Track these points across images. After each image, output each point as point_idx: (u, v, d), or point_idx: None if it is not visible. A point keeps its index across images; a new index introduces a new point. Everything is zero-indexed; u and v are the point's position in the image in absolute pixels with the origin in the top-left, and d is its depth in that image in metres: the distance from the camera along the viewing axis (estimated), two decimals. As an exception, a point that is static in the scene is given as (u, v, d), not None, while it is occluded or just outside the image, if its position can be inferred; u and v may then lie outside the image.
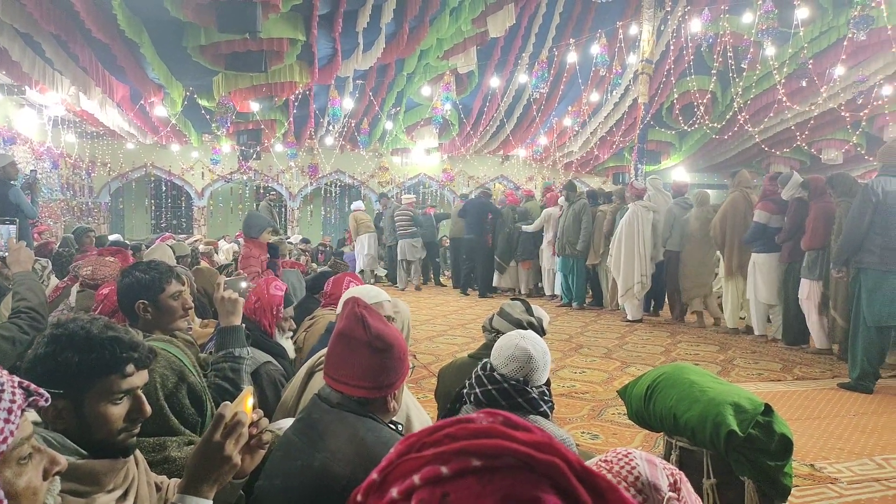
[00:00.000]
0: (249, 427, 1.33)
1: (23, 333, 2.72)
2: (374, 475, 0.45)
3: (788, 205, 6.12)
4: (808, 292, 5.85)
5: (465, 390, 2.00)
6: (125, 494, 1.34)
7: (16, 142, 11.59)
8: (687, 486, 1.06)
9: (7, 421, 0.92)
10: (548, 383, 2.03)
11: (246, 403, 1.35)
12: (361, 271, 11.41)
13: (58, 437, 1.23)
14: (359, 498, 0.45)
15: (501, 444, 0.43)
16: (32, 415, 1.33)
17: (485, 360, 2.04)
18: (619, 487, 0.44)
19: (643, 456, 1.10)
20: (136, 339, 1.35)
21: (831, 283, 5.49)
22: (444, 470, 0.42)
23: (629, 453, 1.10)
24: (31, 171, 10.71)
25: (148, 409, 1.34)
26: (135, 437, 1.34)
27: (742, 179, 7.03)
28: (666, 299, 8.30)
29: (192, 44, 8.52)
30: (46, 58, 8.58)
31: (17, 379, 0.98)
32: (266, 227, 5.51)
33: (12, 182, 7.16)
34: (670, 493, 1.03)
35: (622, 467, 1.06)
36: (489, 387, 1.91)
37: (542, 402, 1.91)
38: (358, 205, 12.09)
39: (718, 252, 7.07)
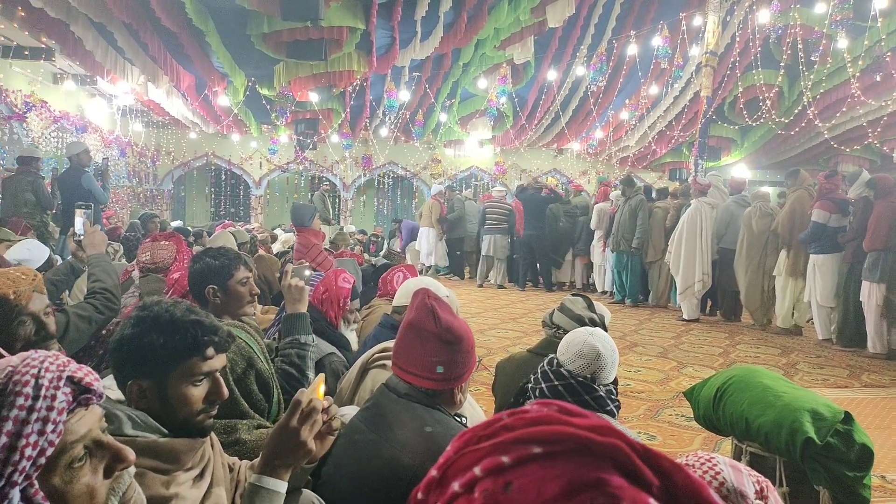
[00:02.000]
0: (321, 413, 1.36)
1: (98, 313, 2.84)
2: (433, 472, 0.45)
3: (854, 204, 5.91)
4: (868, 294, 5.67)
5: (528, 385, 1.98)
6: (202, 474, 1.38)
7: (87, 130, 12.10)
8: (774, 495, 1.02)
9: (42, 433, 0.84)
10: (615, 382, 1.99)
11: (319, 390, 1.38)
12: (428, 267, 11.31)
13: (141, 416, 1.28)
14: (419, 496, 0.45)
15: (560, 429, 0.42)
16: (116, 393, 1.39)
17: (551, 355, 2.02)
18: (683, 467, 0.43)
19: (727, 461, 1.06)
20: (216, 323, 1.39)
21: None
22: (504, 459, 0.42)
23: (712, 458, 1.07)
24: (104, 158, 11.16)
25: (226, 391, 1.38)
26: (212, 419, 1.38)
27: (804, 178, 6.87)
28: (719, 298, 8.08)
29: (255, 31, 8.72)
30: (118, 47, 8.91)
31: (67, 374, 0.90)
32: (315, 213, 5.57)
33: (86, 169, 7.48)
34: (757, 501, 0.99)
35: (706, 472, 1.03)
36: (555, 382, 1.89)
37: (608, 401, 1.87)
38: (438, 189, 11.81)
39: (783, 251, 6.82)
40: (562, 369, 1.90)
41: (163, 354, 1.31)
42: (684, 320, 7.50)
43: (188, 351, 1.33)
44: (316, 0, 7.04)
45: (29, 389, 0.85)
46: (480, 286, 10.33)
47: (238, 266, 2.29)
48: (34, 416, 0.84)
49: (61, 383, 0.88)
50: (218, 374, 1.39)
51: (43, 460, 0.84)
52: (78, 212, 4.09)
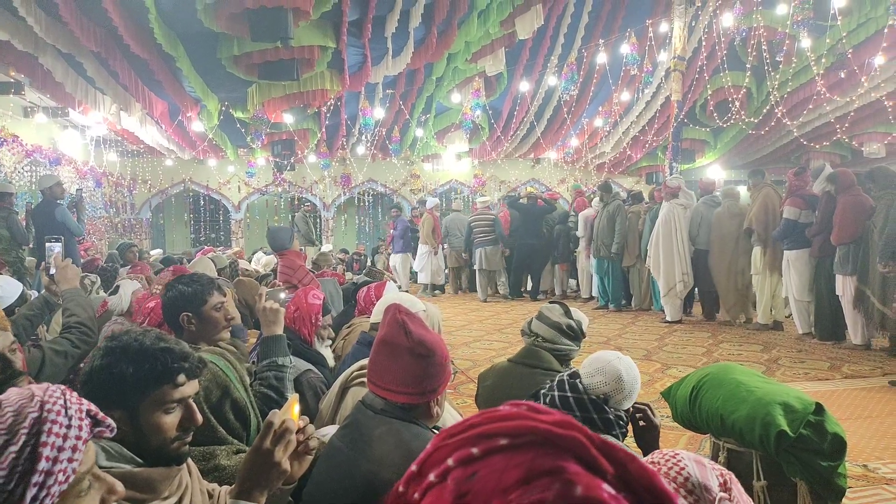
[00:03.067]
0: (297, 434, 1.37)
1: (74, 348, 2.82)
2: (413, 467, 0.49)
3: (819, 199, 6.06)
4: (842, 288, 5.78)
5: (542, 390, 1.97)
6: (179, 501, 1.38)
7: (61, 162, 11.99)
8: (738, 487, 1.05)
9: (70, 460, 0.89)
10: (628, 412, 2.00)
11: (293, 410, 1.38)
12: (425, 286, 11.20)
13: (115, 447, 1.27)
14: (400, 489, 0.48)
15: (525, 423, 0.46)
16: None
17: (574, 368, 2.03)
18: (638, 458, 0.45)
19: (691, 457, 1.08)
20: (186, 350, 1.39)
21: (874, 278, 5.38)
22: (474, 451, 0.45)
23: (676, 454, 1.09)
24: (77, 190, 11.07)
25: (199, 417, 1.37)
26: (187, 446, 1.37)
27: (766, 177, 7.11)
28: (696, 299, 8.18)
29: (225, 55, 8.71)
30: (88, 77, 8.86)
31: (85, 407, 0.96)
32: (293, 235, 5.57)
33: (59, 201, 7.41)
34: (721, 494, 1.01)
35: (671, 468, 1.05)
36: (568, 393, 1.88)
37: (616, 425, 1.86)
38: (433, 202, 11.56)
39: (758, 248, 6.92)
40: (578, 382, 1.91)
41: (133, 384, 1.31)
42: (668, 322, 7.56)
43: (159, 379, 1.32)
44: (285, 20, 7.06)
45: (63, 419, 0.90)
46: (485, 300, 10.12)
47: (211, 291, 2.29)
48: (68, 443, 0.89)
49: (83, 414, 0.94)
50: (191, 401, 1.39)
51: (66, 487, 0.88)
52: (48, 246, 4.06)
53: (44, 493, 0.85)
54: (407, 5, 9.06)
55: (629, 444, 2.82)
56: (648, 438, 2.06)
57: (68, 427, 0.89)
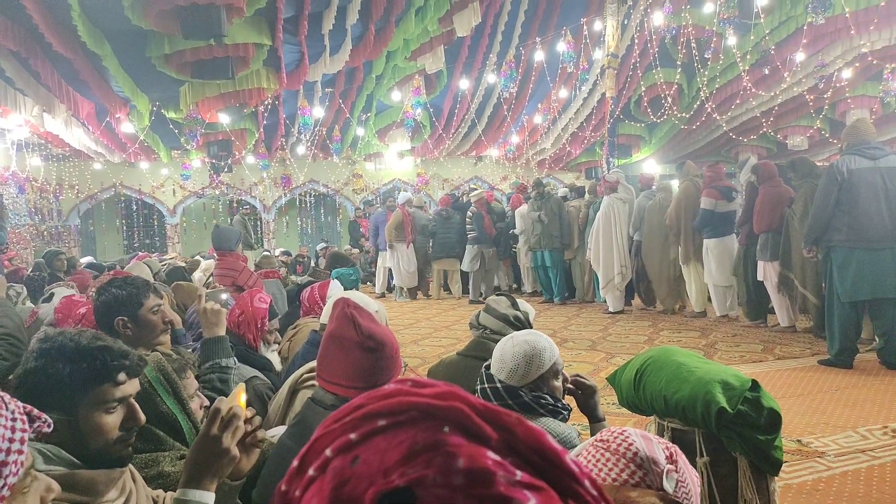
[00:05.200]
0: (245, 423, 1.34)
1: (2, 360, 2.68)
2: (294, 463, 0.46)
3: (743, 190, 6.40)
4: (763, 273, 6.12)
5: (477, 388, 1.97)
6: (125, 504, 1.33)
7: (-21, 167, 11.35)
8: (683, 459, 1.08)
9: (20, 452, 0.91)
10: (563, 387, 2.01)
11: (240, 399, 1.35)
12: (399, 288, 10.15)
13: (53, 449, 1.22)
14: (283, 488, 0.46)
15: (404, 399, 0.44)
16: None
17: (489, 360, 2.02)
18: (526, 420, 0.45)
19: (638, 433, 1.11)
20: (125, 348, 1.34)
21: (796, 262, 5.69)
22: (352, 436, 0.43)
23: (624, 431, 1.12)
24: (-2, 196, 10.49)
25: (142, 416, 1.33)
26: (130, 448, 1.32)
27: (690, 169, 7.39)
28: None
29: (156, 53, 8.40)
30: (7, 77, 8.41)
31: (21, 404, 0.96)
32: (240, 238, 5.43)
33: (-22, 208, 7.01)
34: (668, 466, 1.05)
35: (619, 444, 1.08)
36: (485, 385, 1.90)
37: (536, 406, 1.86)
38: (406, 198, 10.28)
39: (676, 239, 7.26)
40: (491, 373, 1.92)
41: (71, 384, 1.25)
42: (610, 313, 7.75)
43: (98, 378, 1.28)
44: (218, 17, 6.87)
45: (6, 412, 0.92)
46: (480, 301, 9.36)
47: (147, 294, 2.21)
48: (17, 434, 0.91)
49: (21, 410, 0.95)
50: (132, 400, 1.34)
51: (15, 480, 0.91)
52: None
53: (1, 483, 0.88)
54: (343, 2, 8.98)
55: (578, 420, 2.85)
56: (591, 404, 2.11)
57: (13, 420, 0.91)
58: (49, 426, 1.00)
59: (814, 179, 5.50)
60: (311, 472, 0.44)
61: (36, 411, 0.98)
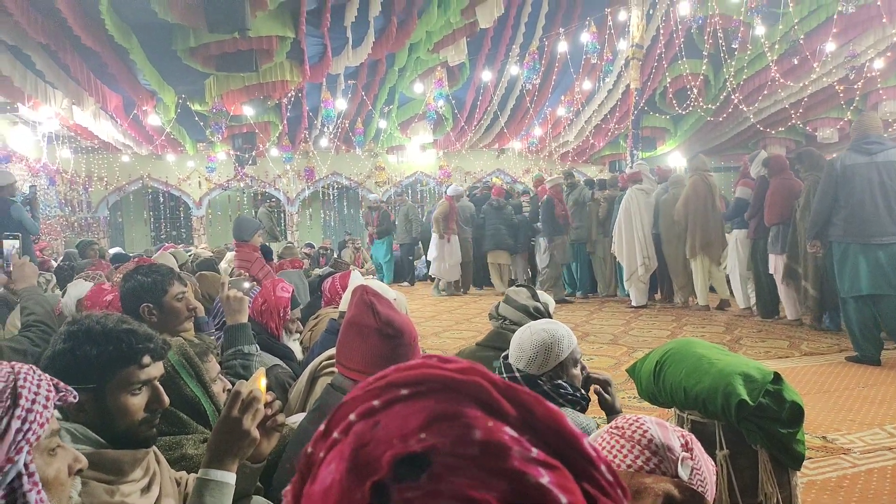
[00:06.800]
0: (265, 407, 1.36)
1: (34, 346, 2.74)
2: (321, 427, 0.48)
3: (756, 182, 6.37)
4: (774, 266, 6.08)
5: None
6: (149, 486, 1.37)
7: (11, 160, 11.59)
8: (698, 447, 1.07)
9: (45, 407, 0.98)
10: (585, 380, 2.01)
11: (259, 383, 1.38)
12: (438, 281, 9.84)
13: (80, 429, 1.26)
14: (309, 449, 0.47)
15: (427, 371, 0.46)
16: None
17: (507, 352, 2.03)
18: (545, 401, 0.46)
19: (653, 420, 1.11)
20: (150, 332, 1.38)
21: (802, 255, 5.65)
22: (375, 403, 0.44)
23: (639, 418, 1.12)
24: (31, 186, 10.69)
25: (166, 399, 1.36)
26: (154, 429, 1.36)
27: (699, 164, 7.32)
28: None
29: (181, 46, 8.51)
30: (37, 70, 8.57)
31: (48, 376, 1.03)
32: (258, 230, 5.49)
33: (12, 199, 7.18)
34: (684, 453, 1.04)
35: (634, 431, 1.07)
36: (504, 375, 1.91)
37: (556, 396, 1.87)
38: (455, 190, 10.08)
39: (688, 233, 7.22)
40: (510, 363, 1.93)
41: (98, 365, 1.30)
42: (633, 307, 7.69)
43: (124, 360, 1.31)
44: (242, 10, 6.93)
45: (34, 375, 1.01)
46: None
47: (172, 281, 2.25)
48: (41, 394, 0.99)
49: (49, 379, 1.04)
50: (157, 383, 1.37)
51: (42, 432, 0.98)
52: (5, 243, 3.93)
53: (27, 427, 0.95)
54: (366, -6, 8.99)
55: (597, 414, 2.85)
56: (610, 393, 2.16)
57: (40, 380, 1.00)
58: (74, 397, 1.07)
59: (818, 172, 5.40)
60: (335, 434, 0.45)
61: (62, 384, 1.05)
